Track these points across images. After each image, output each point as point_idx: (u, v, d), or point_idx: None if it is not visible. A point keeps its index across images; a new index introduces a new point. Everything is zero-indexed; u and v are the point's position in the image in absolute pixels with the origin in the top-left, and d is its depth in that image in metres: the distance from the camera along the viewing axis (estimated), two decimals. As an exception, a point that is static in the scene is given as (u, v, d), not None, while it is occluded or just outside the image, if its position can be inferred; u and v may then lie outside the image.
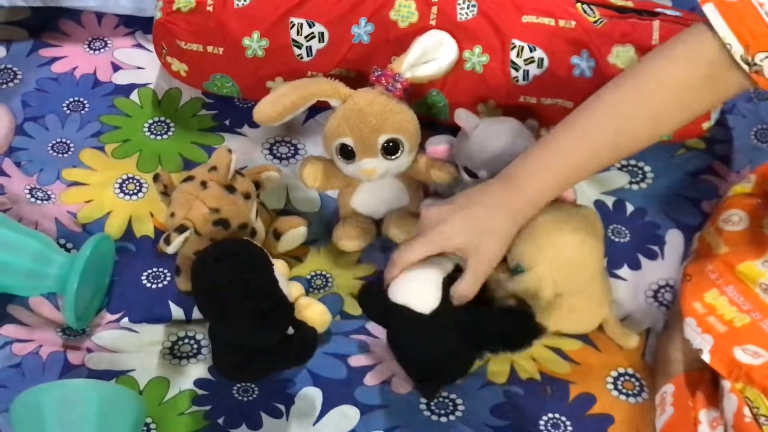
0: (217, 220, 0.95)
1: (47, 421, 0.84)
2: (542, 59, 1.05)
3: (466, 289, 0.90)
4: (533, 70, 1.05)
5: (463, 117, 1.01)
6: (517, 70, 1.06)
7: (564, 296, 0.93)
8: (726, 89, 0.85)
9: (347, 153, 1.01)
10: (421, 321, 0.90)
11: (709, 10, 0.81)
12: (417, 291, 0.91)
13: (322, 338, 0.98)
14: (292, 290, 0.97)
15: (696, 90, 0.84)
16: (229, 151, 0.98)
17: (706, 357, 0.87)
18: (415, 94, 1.06)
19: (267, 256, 0.92)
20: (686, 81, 0.84)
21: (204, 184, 0.96)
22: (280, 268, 0.95)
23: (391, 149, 1.00)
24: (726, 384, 0.85)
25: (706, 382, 0.88)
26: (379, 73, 1.01)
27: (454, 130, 1.05)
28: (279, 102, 0.99)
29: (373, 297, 0.95)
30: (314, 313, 0.97)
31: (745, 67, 0.79)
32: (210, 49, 1.08)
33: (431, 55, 1.03)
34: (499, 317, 0.93)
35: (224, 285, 0.88)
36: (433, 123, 1.11)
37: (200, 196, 0.95)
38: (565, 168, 0.88)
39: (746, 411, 0.81)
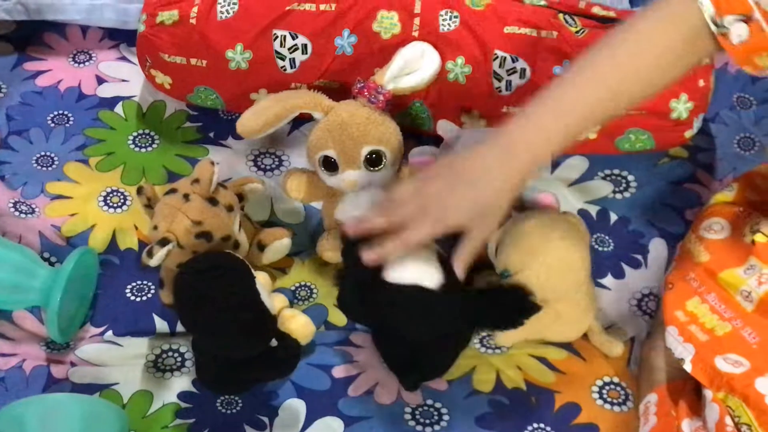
0: (199, 233, 0.95)
1: (29, 435, 0.84)
2: (524, 70, 1.06)
3: (467, 255, 0.89)
4: (516, 80, 1.06)
5: (445, 129, 1.01)
6: (499, 80, 1.06)
7: (550, 303, 0.93)
8: (703, 54, 0.85)
9: (330, 165, 1.01)
10: (429, 297, 0.89)
11: None
12: (423, 267, 0.90)
13: (306, 349, 0.98)
14: (276, 302, 0.97)
15: (680, 53, 0.84)
16: (212, 163, 0.98)
17: (687, 367, 0.87)
18: (398, 105, 1.06)
19: (248, 268, 0.92)
20: (673, 45, 0.83)
21: (186, 196, 0.96)
22: (262, 280, 0.95)
23: (374, 161, 1.00)
24: (708, 393, 0.85)
25: (689, 391, 0.88)
26: (362, 85, 1.01)
27: (437, 140, 1.05)
28: (262, 115, 1.00)
29: (355, 294, 0.92)
30: (298, 324, 0.97)
31: (714, 28, 0.79)
32: (193, 61, 1.09)
33: (413, 66, 1.03)
34: (493, 295, 0.92)
35: (205, 297, 0.88)
36: (417, 134, 1.11)
37: (183, 209, 0.95)
38: (561, 130, 0.86)
39: (728, 420, 0.81)
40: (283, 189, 1.04)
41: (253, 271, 0.93)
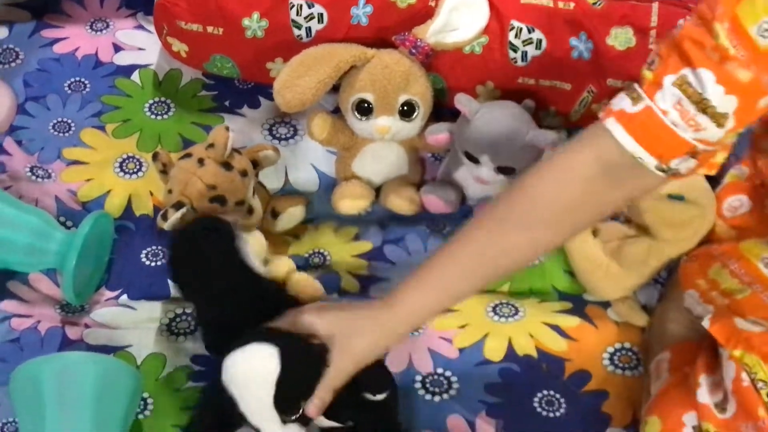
0: (213, 197, 0.95)
1: (45, 393, 0.85)
2: (541, 40, 1.05)
3: (325, 388, 0.82)
4: (531, 51, 1.06)
5: (464, 102, 1.01)
6: (515, 51, 1.06)
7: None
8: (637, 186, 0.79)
9: (363, 109, 1.03)
10: None
11: (613, 126, 0.74)
12: None
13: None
14: (280, 266, 0.97)
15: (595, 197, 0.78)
16: (227, 128, 0.98)
17: (706, 323, 0.86)
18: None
19: (230, 229, 0.91)
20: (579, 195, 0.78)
21: (201, 161, 0.97)
22: (253, 242, 0.94)
23: (407, 111, 1.03)
24: (725, 352, 0.85)
25: (705, 349, 0.88)
26: (403, 37, 1.03)
27: (453, 114, 1.05)
28: (308, 86, 1.00)
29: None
30: (311, 289, 0.97)
31: (661, 174, 0.75)
32: (210, 29, 1.09)
33: (461, 20, 1.04)
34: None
35: (183, 261, 0.90)
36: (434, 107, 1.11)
37: (197, 173, 0.96)
38: (441, 291, 0.84)
39: (744, 376, 0.81)
40: (307, 127, 1.06)
41: (238, 232, 0.92)
